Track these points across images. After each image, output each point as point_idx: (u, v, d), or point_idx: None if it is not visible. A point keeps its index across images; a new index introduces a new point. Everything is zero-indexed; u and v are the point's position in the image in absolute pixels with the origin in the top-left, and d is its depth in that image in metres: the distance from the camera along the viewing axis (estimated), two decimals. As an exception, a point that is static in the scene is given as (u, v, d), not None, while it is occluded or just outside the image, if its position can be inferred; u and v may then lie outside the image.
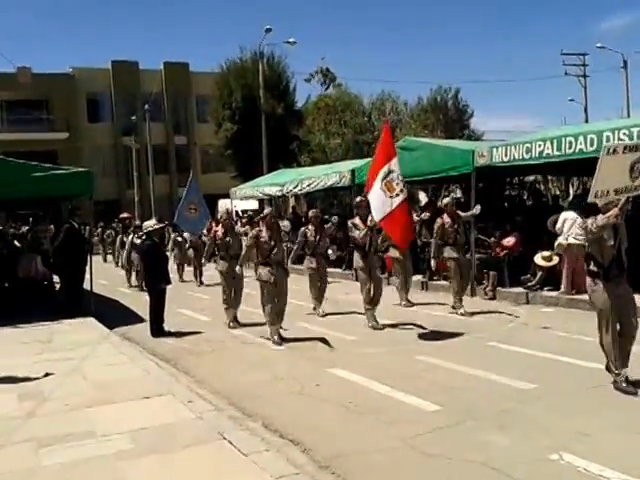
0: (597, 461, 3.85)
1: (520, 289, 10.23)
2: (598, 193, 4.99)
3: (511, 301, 10.07)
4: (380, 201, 7.59)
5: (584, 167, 9.82)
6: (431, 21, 78.01)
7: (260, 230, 7.89)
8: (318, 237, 9.78)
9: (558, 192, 21.02)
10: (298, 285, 9.91)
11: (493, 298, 10.28)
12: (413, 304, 10.06)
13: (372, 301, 8.45)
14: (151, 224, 9.33)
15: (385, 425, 4.71)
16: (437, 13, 78.10)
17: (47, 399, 5.35)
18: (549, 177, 22.06)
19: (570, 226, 9.80)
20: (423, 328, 8.20)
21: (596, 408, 4.92)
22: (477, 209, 9.31)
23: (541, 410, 4.90)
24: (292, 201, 25.51)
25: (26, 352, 7.30)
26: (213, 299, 12.29)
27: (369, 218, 8.15)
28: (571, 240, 9.76)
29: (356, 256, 8.67)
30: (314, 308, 9.77)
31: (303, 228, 9.99)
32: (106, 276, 16.33)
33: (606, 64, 68.51)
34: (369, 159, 15.72)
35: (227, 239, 9.19)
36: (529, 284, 10.16)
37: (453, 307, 9.31)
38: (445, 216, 9.47)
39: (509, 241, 10.86)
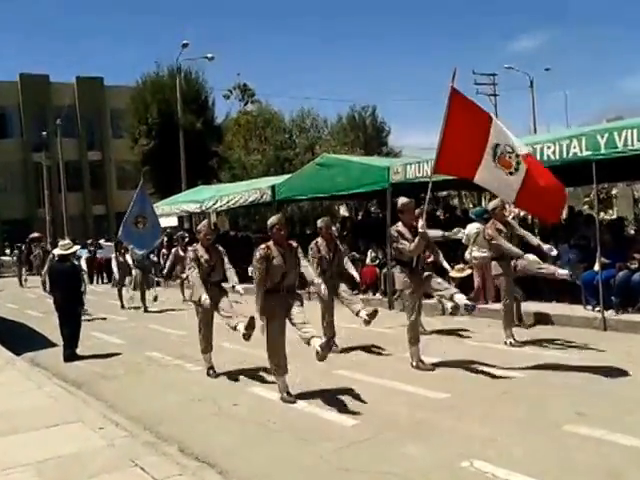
0: (504, 466, 3.98)
1: (434, 301, 10.50)
2: None
3: (427, 313, 10.30)
4: (503, 183, 6.40)
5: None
6: (348, 39, 79.94)
7: (267, 247, 5.82)
8: (332, 253, 7.97)
9: (472, 206, 21.90)
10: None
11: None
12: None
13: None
14: (64, 244, 9.05)
15: (303, 442, 4.69)
16: (353, 32, 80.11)
17: (-57, 433, 5.00)
18: (463, 192, 22.99)
19: (474, 239, 10.02)
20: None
21: (506, 414, 5.09)
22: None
23: (454, 419, 5.02)
24: (213, 217, 25.24)
25: None
26: (129, 321, 11.98)
27: (420, 223, 6.52)
28: (475, 254, 10.01)
29: (399, 274, 6.80)
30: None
31: (313, 242, 8.03)
32: (16, 299, 15.54)
33: (515, 84, 72.30)
34: (289, 175, 15.88)
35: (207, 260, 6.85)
36: (443, 296, 10.41)
37: (509, 342, 7.63)
38: (497, 223, 7.72)
39: (428, 255, 11.12)
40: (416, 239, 6.47)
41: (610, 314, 8.37)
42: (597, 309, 8.48)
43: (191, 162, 26.40)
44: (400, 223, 6.75)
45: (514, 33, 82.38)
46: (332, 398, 5.73)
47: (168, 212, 20.11)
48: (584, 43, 79.60)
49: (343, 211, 16.57)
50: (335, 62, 79.38)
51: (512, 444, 4.40)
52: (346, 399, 5.70)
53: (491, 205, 8.03)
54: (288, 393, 5.81)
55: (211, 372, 6.99)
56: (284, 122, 38.38)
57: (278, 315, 5.71)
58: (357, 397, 5.76)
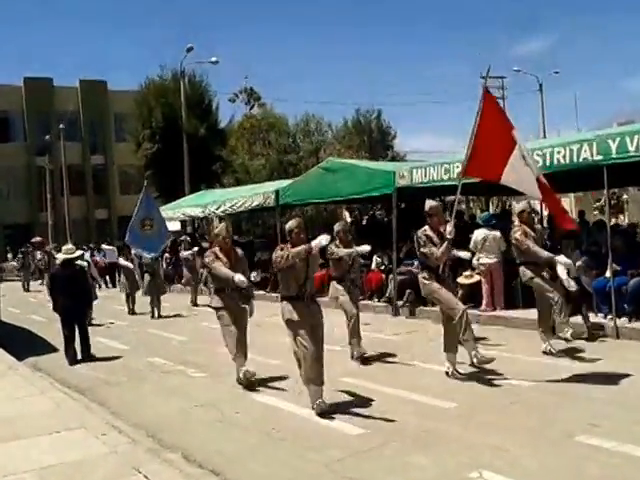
0: (514, 476, 3.91)
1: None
2: None
3: (433, 320, 10.21)
4: (531, 180, 6.30)
5: (502, 187, 10.08)
6: (354, 41, 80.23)
7: (286, 248, 5.50)
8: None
9: (479, 211, 21.79)
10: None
11: (413, 315, 10.36)
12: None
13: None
14: (68, 248, 9.02)
15: (308, 451, 4.61)
16: (358, 34, 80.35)
17: (-56, 439, 4.94)
18: (470, 197, 22.86)
19: (481, 246, 9.93)
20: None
21: (516, 424, 5.01)
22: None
23: (462, 428, 4.94)
24: (216, 222, 25.22)
25: None
26: (132, 326, 11.92)
27: (448, 228, 6.28)
28: (483, 260, 9.93)
29: (426, 282, 6.52)
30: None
31: (331, 244, 7.38)
32: (19, 304, 15.51)
33: (523, 86, 72.17)
34: (293, 179, 15.83)
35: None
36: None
37: (548, 350, 7.23)
38: (524, 227, 7.23)
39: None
40: (443, 244, 6.27)
41: (622, 322, 8.24)
42: (609, 317, 8.34)
43: (194, 166, 26.39)
44: (427, 227, 6.50)
45: (517, 35, 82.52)
46: (337, 406, 5.63)
47: (171, 216, 20.07)
48: (589, 34, 78.87)
49: (347, 216, 16.47)
50: (336, 64, 79.60)
51: (522, 454, 4.31)
52: (351, 407, 5.61)
53: (518, 207, 7.66)
54: (323, 402, 5.39)
55: (241, 377, 6.49)
56: (288, 126, 38.39)
57: (305, 323, 5.40)
58: (363, 405, 5.67)
